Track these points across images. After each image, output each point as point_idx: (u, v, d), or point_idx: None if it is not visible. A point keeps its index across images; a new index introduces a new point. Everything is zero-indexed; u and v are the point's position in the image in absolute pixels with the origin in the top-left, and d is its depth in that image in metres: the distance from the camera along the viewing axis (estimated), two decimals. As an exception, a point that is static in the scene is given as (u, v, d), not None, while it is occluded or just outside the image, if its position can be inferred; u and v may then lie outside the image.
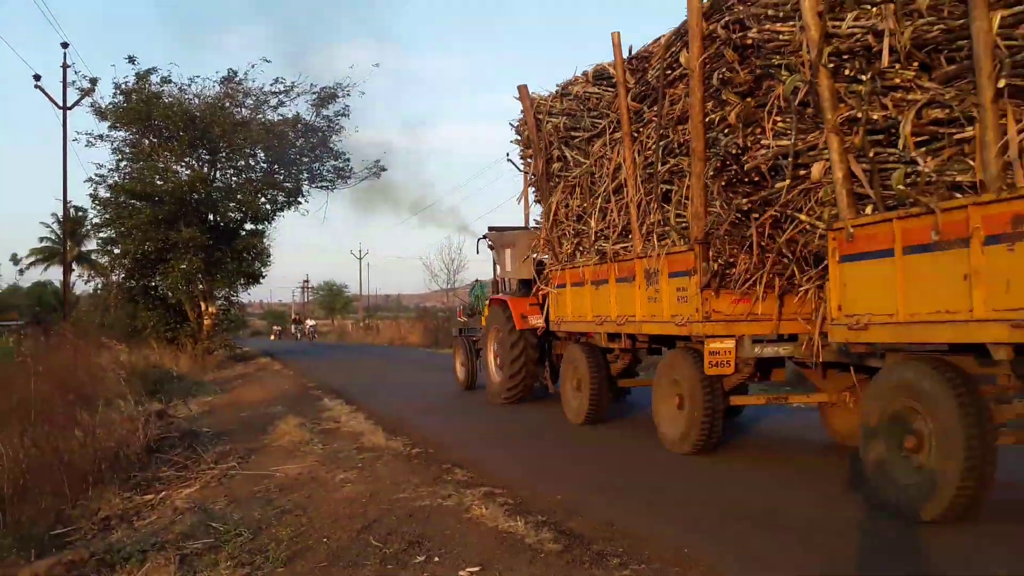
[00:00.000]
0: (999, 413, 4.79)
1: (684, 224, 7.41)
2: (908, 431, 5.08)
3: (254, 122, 22.59)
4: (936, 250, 4.69)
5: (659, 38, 7.56)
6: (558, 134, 9.78)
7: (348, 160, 24.90)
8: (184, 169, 23.28)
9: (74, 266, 36.62)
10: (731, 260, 7.00)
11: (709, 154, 6.64)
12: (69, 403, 9.49)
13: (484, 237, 13.32)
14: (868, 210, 5.26)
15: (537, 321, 10.94)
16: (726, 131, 6.48)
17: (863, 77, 5.08)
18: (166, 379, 16.92)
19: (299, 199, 24.73)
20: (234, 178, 24.33)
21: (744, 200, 6.63)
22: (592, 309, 9.49)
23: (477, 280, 15.29)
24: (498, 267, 12.63)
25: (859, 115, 5.11)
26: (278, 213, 24.75)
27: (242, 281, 24.36)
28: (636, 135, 8.00)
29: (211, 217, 23.93)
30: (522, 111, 10.40)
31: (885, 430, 5.22)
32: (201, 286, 23.81)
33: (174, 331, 23.33)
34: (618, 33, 8.24)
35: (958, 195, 4.59)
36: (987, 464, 4.66)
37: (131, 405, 11.07)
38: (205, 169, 23.57)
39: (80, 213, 36.11)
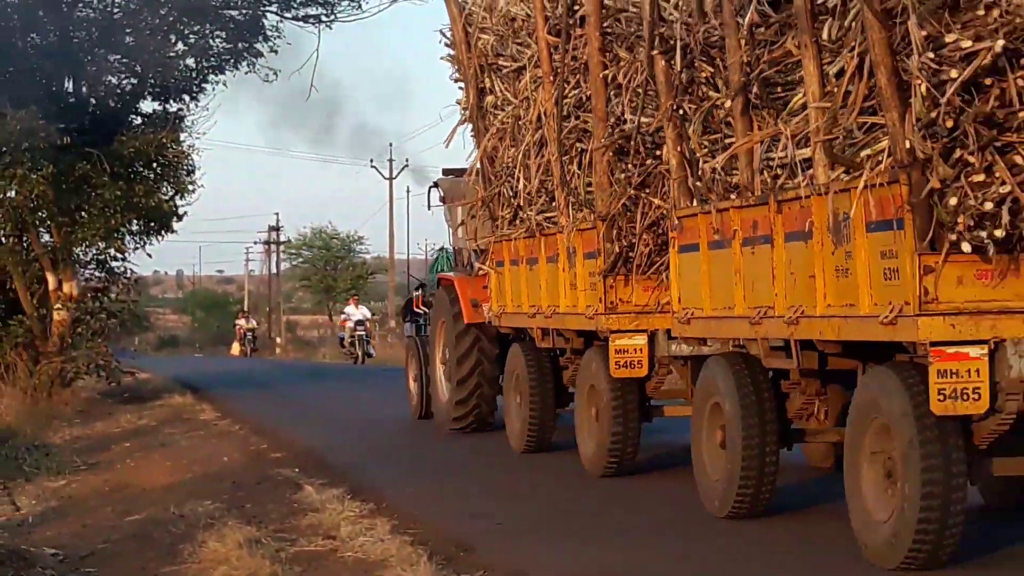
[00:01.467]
0: (792, 409, 10.27)
1: (591, 194, 11.97)
2: (718, 426, 10.50)
3: None
4: (718, 248, 10.21)
5: None
6: (486, 59, 14.37)
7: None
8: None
9: None
10: (633, 241, 11.61)
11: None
12: None
13: (435, 185, 18.07)
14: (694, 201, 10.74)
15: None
16: (614, 92, 11.46)
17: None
18: None
19: (257, 41, 24.93)
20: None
21: (622, 175, 11.77)
22: (528, 296, 14.37)
23: (442, 248, 19.42)
24: (452, 231, 17.20)
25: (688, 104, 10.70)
26: (211, 76, 25.08)
27: (136, 226, 24.90)
28: (557, 76, 12.40)
29: (67, 85, 24.32)
30: (449, 21, 15.08)
31: (706, 424, 10.71)
32: (47, 237, 24.42)
33: None
34: None
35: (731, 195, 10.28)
36: (766, 463, 9.94)
37: None
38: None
39: None
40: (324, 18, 25.59)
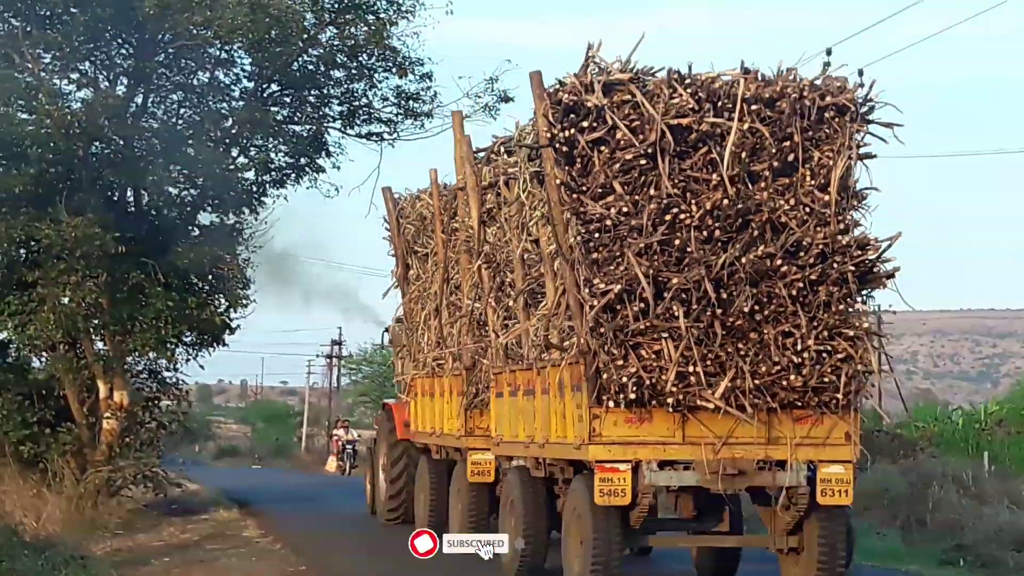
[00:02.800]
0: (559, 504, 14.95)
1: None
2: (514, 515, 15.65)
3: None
4: (512, 396, 15.84)
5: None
6: (408, 243, 21.16)
7: (430, 80, 25.15)
8: (76, 88, 23.85)
9: None
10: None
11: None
12: None
13: (386, 330, 24.14)
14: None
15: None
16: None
17: None
18: (8, 549, 17.87)
19: (319, 156, 25.10)
20: (183, 110, 24.86)
21: (472, 342, 17.98)
22: (428, 420, 20.76)
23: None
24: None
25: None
26: (271, 190, 25.28)
27: (188, 337, 24.80)
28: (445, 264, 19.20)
29: (127, 195, 24.51)
30: (386, 212, 22.02)
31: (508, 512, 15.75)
32: (100, 344, 24.33)
33: (38, 442, 23.86)
34: (435, 171, 19.55)
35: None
36: (541, 541, 15.03)
37: None
38: (120, 89, 24.03)
39: None
40: (387, 136, 25.75)
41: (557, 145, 13.38)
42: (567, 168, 13.35)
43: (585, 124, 13.25)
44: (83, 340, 23.87)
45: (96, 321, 23.42)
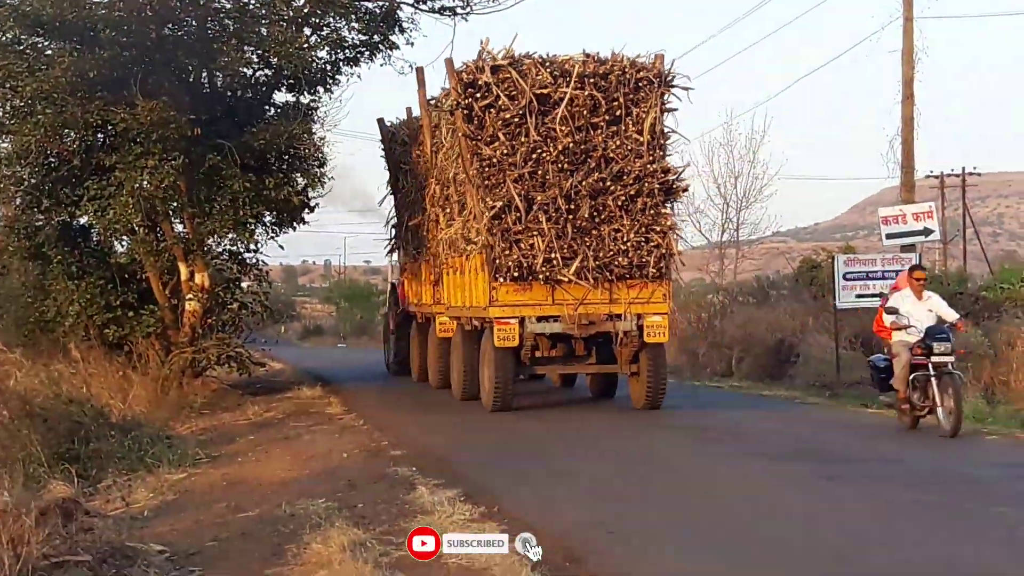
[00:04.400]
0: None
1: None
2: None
3: None
4: (454, 275, 22.74)
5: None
6: (398, 162, 26.74)
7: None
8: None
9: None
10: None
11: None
12: None
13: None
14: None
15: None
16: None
17: None
18: (96, 429, 17.53)
19: (392, 33, 25.05)
20: (253, -8, 24.86)
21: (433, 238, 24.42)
22: (416, 295, 27.29)
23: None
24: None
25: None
26: (345, 68, 25.21)
27: (267, 217, 25.00)
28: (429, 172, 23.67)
29: (201, 77, 24.44)
30: (380, 137, 27.85)
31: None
32: (179, 227, 24.64)
33: (122, 325, 24.28)
34: (408, 108, 25.71)
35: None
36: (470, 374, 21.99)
37: (10, 486, 12.00)
38: (191, -30, 24.03)
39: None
40: (460, 10, 25.61)
41: (461, 109, 19.86)
42: (468, 124, 19.88)
43: (479, 95, 19.78)
44: (162, 223, 24.11)
45: (175, 204, 23.60)
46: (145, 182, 22.22)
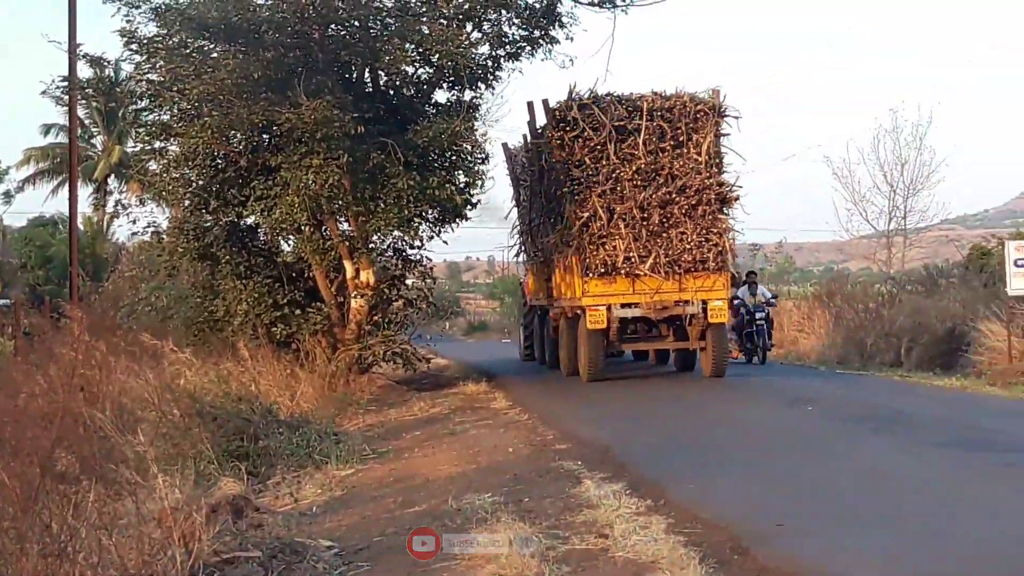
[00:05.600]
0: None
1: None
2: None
3: None
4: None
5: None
6: (518, 178, 31.09)
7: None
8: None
9: (109, 185, 41.18)
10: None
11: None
12: (57, 478, 10.27)
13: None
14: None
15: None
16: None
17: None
18: (264, 427, 17.75)
19: (552, 28, 24.97)
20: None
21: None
22: (543, 292, 30.77)
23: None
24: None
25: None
26: (506, 64, 25.24)
27: (430, 214, 25.08)
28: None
29: (364, 76, 24.68)
30: (504, 157, 31.58)
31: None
32: (344, 225, 24.84)
33: (289, 323, 24.64)
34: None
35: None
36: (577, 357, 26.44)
37: (181, 484, 12.12)
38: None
39: (108, 71, 38.20)
40: (619, 3, 25.44)
41: (555, 140, 24.29)
42: (561, 152, 24.27)
43: (568, 127, 24.08)
44: (328, 221, 24.29)
45: (339, 202, 23.65)
46: (310, 181, 22.32)
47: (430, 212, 24.74)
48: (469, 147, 24.31)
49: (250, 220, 25.18)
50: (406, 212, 23.35)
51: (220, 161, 24.33)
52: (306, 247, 24.22)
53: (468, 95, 25.00)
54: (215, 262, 24.99)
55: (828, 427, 17.48)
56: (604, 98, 24.47)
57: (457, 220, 25.44)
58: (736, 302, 27.51)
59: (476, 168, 24.54)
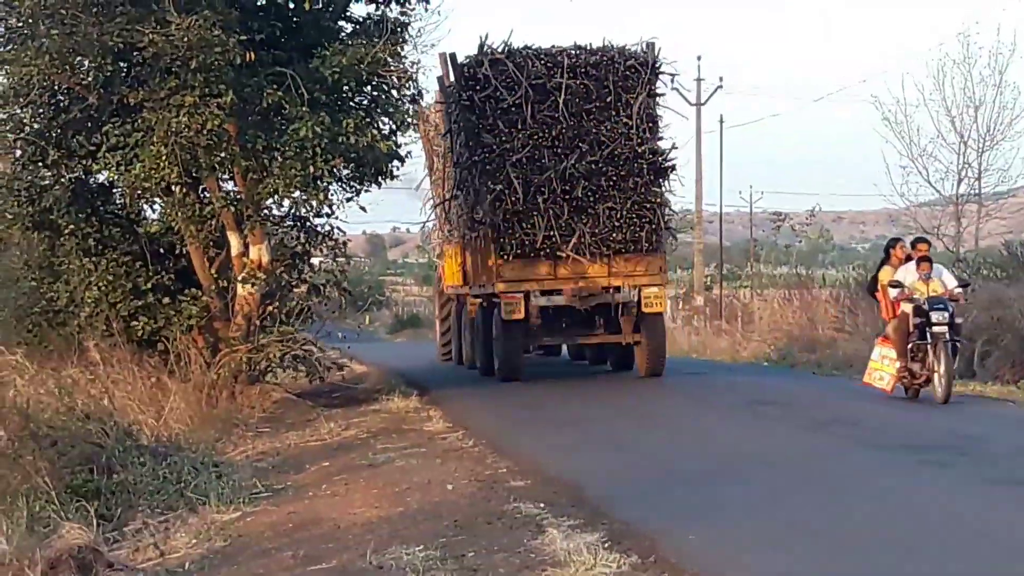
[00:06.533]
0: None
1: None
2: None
3: None
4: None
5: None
6: (431, 142, 36.10)
7: None
8: None
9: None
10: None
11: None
12: None
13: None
14: None
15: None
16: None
17: None
18: (121, 454, 17.99)
19: None
20: None
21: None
22: (452, 277, 36.31)
23: None
24: None
25: None
26: None
27: (345, 171, 25.35)
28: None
29: None
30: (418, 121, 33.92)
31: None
32: (229, 184, 25.19)
33: (155, 316, 24.72)
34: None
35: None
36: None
37: (9, 531, 12.64)
38: None
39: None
40: None
41: (463, 101, 26.87)
42: (470, 114, 26.72)
43: (479, 87, 26.35)
44: (206, 180, 24.29)
45: (222, 154, 23.43)
46: (182, 125, 22.20)
47: (343, 168, 24.71)
48: (396, 79, 24.28)
49: (102, 177, 25.08)
50: (311, 168, 23.19)
51: (62, 98, 24.17)
52: (177, 214, 24.05)
53: (394, 10, 25.03)
54: (55, 233, 24.85)
55: (870, 459, 17.54)
56: (520, 52, 26.93)
57: (380, 179, 25.50)
58: (896, 291, 22.47)
59: (405, 108, 24.61)
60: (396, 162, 25.22)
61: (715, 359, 41.98)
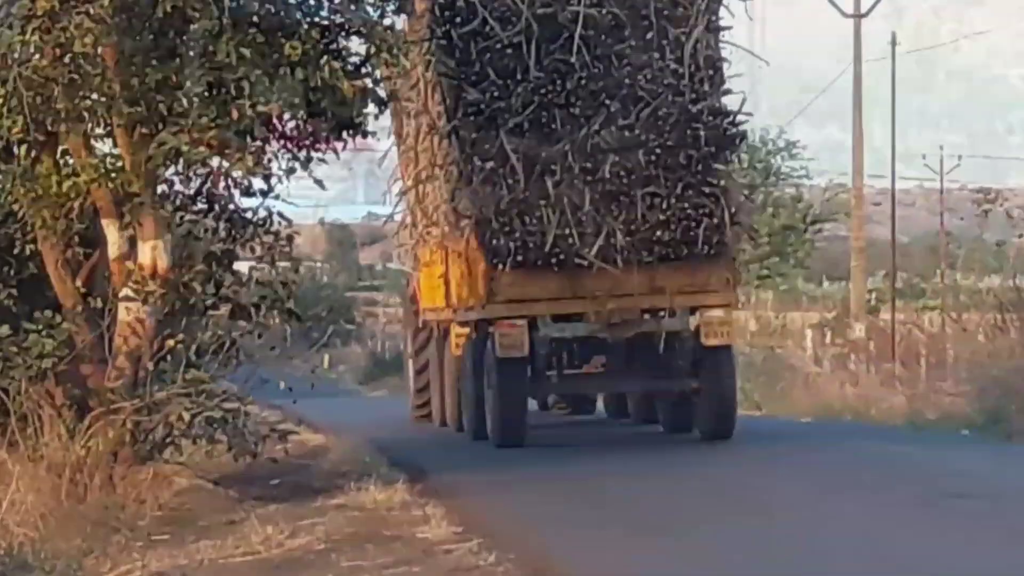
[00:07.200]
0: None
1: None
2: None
3: None
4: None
5: None
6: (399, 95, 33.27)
7: None
8: None
9: None
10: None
11: None
12: None
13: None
14: None
15: None
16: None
17: None
18: None
19: None
20: None
21: None
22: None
23: None
24: None
25: None
26: None
27: (291, 122, 24.96)
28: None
29: None
30: None
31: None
32: (105, 142, 24.95)
33: None
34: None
35: None
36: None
37: None
38: None
39: None
40: None
41: (437, 39, 26.45)
42: (448, 59, 26.49)
43: (459, 19, 26.06)
44: (68, 137, 23.99)
45: (96, 96, 23.42)
46: (31, 47, 22.23)
47: (287, 117, 24.27)
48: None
49: None
50: (234, 113, 22.97)
51: None
52: (20, 191, 23.83)
53: None
54: None
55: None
56: None
57: (345, 135, 25.13)
58: None
59: (378, 31, 24.40)
60: (370, 108, 24.74)
61: (884, 421, 43.57)
